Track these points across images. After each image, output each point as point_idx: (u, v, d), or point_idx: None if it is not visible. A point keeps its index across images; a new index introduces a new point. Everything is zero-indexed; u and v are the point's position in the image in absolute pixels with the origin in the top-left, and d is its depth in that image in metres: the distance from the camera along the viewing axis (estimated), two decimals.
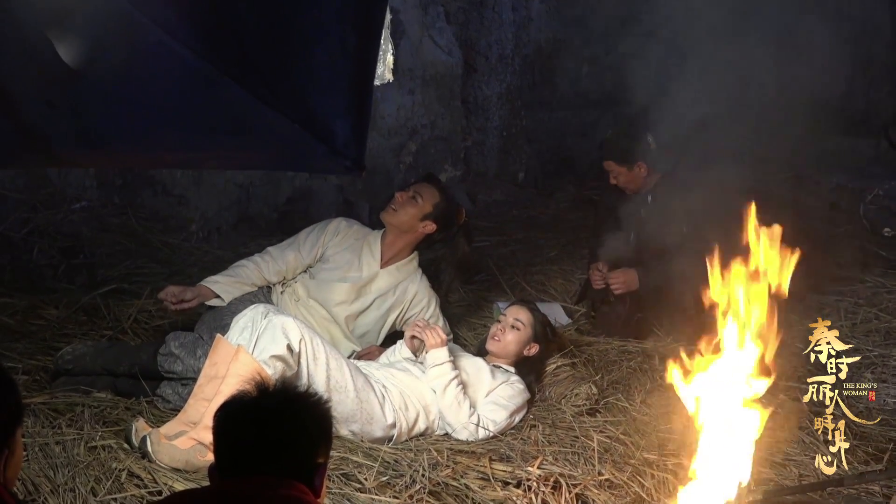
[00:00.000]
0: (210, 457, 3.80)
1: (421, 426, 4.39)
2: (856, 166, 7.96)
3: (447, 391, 4.38)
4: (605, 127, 7.97)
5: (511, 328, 4.72)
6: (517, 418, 4.53)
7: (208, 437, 3.79)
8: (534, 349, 4.74)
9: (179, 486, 3.70)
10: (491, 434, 4.37)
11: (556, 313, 5.66)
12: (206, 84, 3.49)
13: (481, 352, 4.80)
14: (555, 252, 6.85)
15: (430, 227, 4.98)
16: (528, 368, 4.74)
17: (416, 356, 4.59)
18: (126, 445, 3.97)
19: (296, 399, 2.50)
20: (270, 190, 6.99)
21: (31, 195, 6.16)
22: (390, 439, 4.28)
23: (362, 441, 4.19)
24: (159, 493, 3.67)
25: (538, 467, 3.98)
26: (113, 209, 6.45)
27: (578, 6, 8.50)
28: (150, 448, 3.87)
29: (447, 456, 4.08)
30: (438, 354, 4.44)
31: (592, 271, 5.53)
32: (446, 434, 4.41)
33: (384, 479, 3.88)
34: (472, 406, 4.41)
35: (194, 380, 4.26)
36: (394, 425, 4.29)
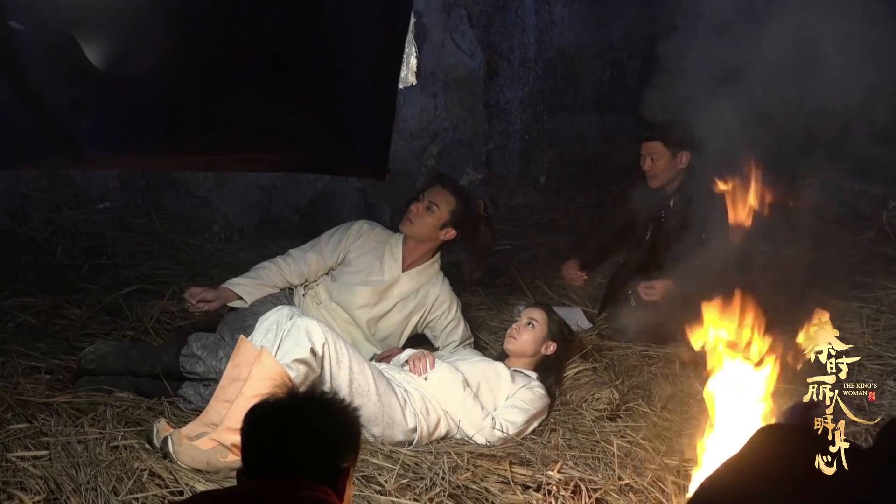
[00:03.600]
0: (231, 458, 3.82)
1: (442, 430, 4.37)
2: (879, 173, 7.91)
3: (454, 392, 4.39)
4: (628, 131, 7.97)
5: (526, 326, 4.72)
6: (535, 424, 4.52)
7: (229, 439, 3.83)
8: (551, 347, 4.73)
9: (200, 487, 3.71)
10: (509, 436, 4.37)
11: (578, 317, 5.66)
12: (231, 88, 3.51)
13: (502, 356, 4.80)
14: None
15: (451, 233, 4.97)
16: (547, 370, 4.73)
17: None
18: (148, 445, 3.99)
19: (324, 404, 2.54)
20: (292, 192, 7.02)
21: (55, 196, 6.21)
22: (411, 443, 4.28)
23: (383, 444, 4.20)
24: (181, 493, 3.69)
25: (558, 471, 3.97)
26: (136, 210, 6.49)
27: (601, 11, 8.50)
28: (171, 448, 3.88)
29: (467, 459, 4.08)
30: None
31: (566, 270, 5.63)
32: None
33: (404, 481, 3.88)
34: (484, 408, 4.41)
35: (216, 381, 4.27)
36: (415, 429, 4.29)
